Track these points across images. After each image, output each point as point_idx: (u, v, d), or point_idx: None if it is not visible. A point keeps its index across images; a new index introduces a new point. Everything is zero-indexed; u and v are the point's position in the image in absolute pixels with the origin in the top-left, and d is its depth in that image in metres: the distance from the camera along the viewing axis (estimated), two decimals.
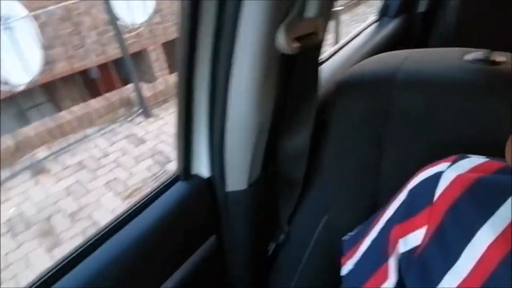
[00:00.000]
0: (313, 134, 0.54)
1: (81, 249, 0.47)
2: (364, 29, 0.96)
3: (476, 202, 0.30)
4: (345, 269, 0.43)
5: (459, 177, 0.31)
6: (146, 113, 3.51)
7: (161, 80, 3.89)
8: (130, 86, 3.72)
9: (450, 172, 0.32)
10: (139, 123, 3.46)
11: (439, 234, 0.31)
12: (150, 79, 4.51)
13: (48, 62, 3.45)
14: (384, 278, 0.37)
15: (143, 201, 0.55)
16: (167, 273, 0.56)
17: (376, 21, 1.00)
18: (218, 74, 0.45)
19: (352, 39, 0.90)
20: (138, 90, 3.34)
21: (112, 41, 4.07)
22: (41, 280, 0.44)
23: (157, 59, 5.02)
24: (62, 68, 3.26)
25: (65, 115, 3.27)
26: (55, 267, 0.45)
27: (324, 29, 0.46)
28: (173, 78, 3.86)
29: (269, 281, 0.65)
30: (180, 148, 0.54)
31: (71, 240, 2.37)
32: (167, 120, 3.53)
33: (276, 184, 0.60)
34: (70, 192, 2.72)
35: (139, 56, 4.68)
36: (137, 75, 3.46)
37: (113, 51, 4.21)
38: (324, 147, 0.54)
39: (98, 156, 3.07)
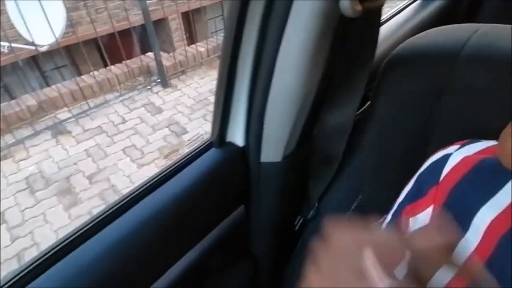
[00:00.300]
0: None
1: (115, 207, 0.48)
2: (408, 5, 0.91)
3: (479, 181, 0.30)
4: None
5: (465, 158, 0.32)
6: (164, 83, 3.50)
7: (180, 51, 3.84)
8: (150, 54, 3.69)
9: (457, 154, 0.33)
10: (157, 92, 3.46)
11: (444, 212, 0.32)
12: (169, 49, 4.46)
13: (71, 25, 3.43)
14: None
15: (176, 165, 0.55)
16: (195, 240, 0.57)
17: None
18: (268, 32, 0.43)
19: (395, 14, 0.84)
20: (158, 59, 3.32)
21: (135, 6, 4.01)
22: (75, 235, 0.45)
23: (176, 28, 4.94)
24: (84, 32, 3.25)
25: (86, 79, 3.30)
26: (88, 224, 0.46)
27: None
28: (192, 49, 3.81)
29: (293, 256, 0.66)
30: (217, 114, 0.53)
31: (89, 200, 2.46)
32: (184, 91, 3.52)
33: (311, 159, 0.59)
34: (89, 154, 2.79)
35: (160, 25, 4.61)
36: (157, 43, 3.42)
37: (134, 17, 4.16)
38: (367, 124, 0.52)
39: (117, 122, 3.12)
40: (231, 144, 0.57)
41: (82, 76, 3.32)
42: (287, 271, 0.67)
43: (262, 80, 0.47)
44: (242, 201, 0.62)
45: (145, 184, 0.52)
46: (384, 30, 0.78)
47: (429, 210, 0.33)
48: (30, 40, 3.05)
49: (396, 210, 0.39)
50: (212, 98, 3.45)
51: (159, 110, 3.26)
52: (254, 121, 0.51)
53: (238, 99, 0.51)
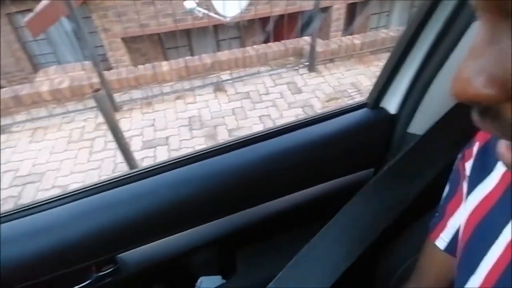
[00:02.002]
0: None
1: (260, 134, 0.61)
2: None
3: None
4: None
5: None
6: (311, 67, 3.71)
7: (335, 40, 3.94)
8: (306, 38, 3.95)
9: None
10: (302, 74, 3.72)
11: (483, 149, 0.35)
12: (324, 36, 4.61)
13: (251, 3, 4.01)
14: (459, 202, 0.39)
15: (329, 113, 0.65)
16: (317, 181, 0.64)
17: None
18: (450, 31, 0.49)
19: None
20: (312, 44, 3.53)
21: None
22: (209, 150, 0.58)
23: (337, 19, 5.03)
24: (259, 11, 3.76)
25: (249, 51, 3.85)
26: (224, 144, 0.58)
27: None
28: (347, 40, 3.85)
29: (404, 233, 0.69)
30: (380, 80, 0.62)
31: None
32: (327, 78, 3.66)
33: None
34: (234, 113, 3.33)
35: (323, 12, 4.80)
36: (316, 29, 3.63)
37: (301, 3, 4.48)
38: None
39: (261, 92, 3.56)
40: (383, 109, 0.64)
41: (247, 48, 3.89)
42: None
43: (435, 63, 0.54)
44: (374, 165, 0.68)
45: (296, 122, 0.63)
46: None
47: (475, 147, 0.36)
48: (219, 11, 3.76)
49: (456, 162, 0.41)
50: (351, 91, 3.46)
51: (299, 91, 3.52)
52: (413, 95, 0.59)
53: (405, 73, 0.59)
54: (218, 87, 3.60)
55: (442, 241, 0.42)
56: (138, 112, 3.40)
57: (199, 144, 3.09)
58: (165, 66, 3.71)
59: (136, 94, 3.55)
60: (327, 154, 0.63)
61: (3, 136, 3.15)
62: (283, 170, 0.60)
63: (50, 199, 0.54)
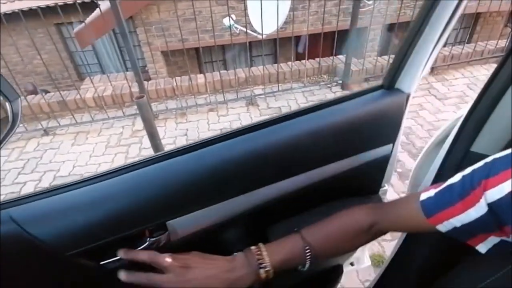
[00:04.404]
0: None
1: (286, 115, 0.65)
2: None
3: None
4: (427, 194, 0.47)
5: None
6: (345, 85, 3.69)
7: (371, 59, 3.91)
8: (341, 57, 3.95)
9: None
10: (335, 92, 3.70)
11: None
12: (359, 55, 4.59)
13: (286, 22, 4.10)
14: (474, 202, 0.38)
15: (348, 95, 0.69)
16: (339, 157, 0.69)
17: None
18: None
19: None
20: (347, 62, 3.52)
21: (342, 14, 4.33)
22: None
23: (373, 39, 5.01)
24: (295, 29, 3.83)
25: (283, 67, 3.90)
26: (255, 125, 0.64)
27: None
28: (383, 60, 3.80)
29: None
30: (395, 64, 0.66)
31: None
32: None
33: None
34: None
35: (357, 32, 4.80)
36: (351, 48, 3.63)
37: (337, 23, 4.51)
38: None
39: (293, 108, 3.57)
40: (398, 90, 0.68)
41: (281, 64, 3.94)
42: None
43: None
44: (392, 140, 0.72)
45: (320, 103, 0.67)
46: None
47: None
48: (255, 28, 3.88)
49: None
50: None
51: None
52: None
53: (416, 57, 0.63)
54: (251, 101, 3.66)
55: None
56: (173, 121, 3.52)
57: None
58: (200, 78, 3.84)
59: (172, 104, 3.69)
60: (349, 131, 0.68)
61: (48, 138, 3.36)
62: (309, 146, 0.66)
63: (108, 172, 0.59)
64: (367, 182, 0.79)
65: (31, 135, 3.37)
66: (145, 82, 3.63)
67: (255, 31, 3.92)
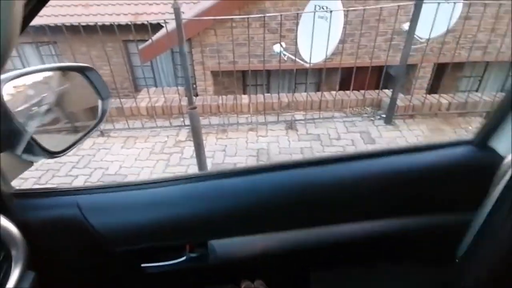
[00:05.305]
0: None
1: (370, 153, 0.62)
2: None
3: None
4: None
5: None
6: (388, 120, 3.61)
7: (418, 96, 3.82)
8: (386, 91, 3.91)
9: None
10: (378, 125, 3.63)
11: None
12: (406, 92, 4.50)
13: (334, 53, 4.19)
14: None
15: (425, 144, 0.62)
16: (405, 213, 0.61)
17: None
18: None
19: None
20: (394, 97, 3.47)
21: (391, 48, 4.33)
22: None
23: (422, 76, 4.90)
24: (339, 61, 3.89)
25: (326, 95, 3.94)
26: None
27: None
28: (432, 98, 3.69)
29: None
30: (491, 116, 0.58)
31: None
32: (404, 134, 3.50)
33: None
34: (302, 152, 3.37)
35: (409, 68, 4.73)
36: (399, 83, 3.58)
37: (385, 57, 4.51)
38: None
39: (332, 137, 3.56)
40: (491, 149, 0.58)
41: (325, 92, 4.00)
42: None
43: None
44: (477, 208, 0.60)
45: (394, 148, 0.62)
46: None
47: None
48: (303, 56, 4.01)
49: None
50: None
51: (372, 141, 3.42)
52: None
53: None
54: (290, 126, 3.72)
55: None
56: (213, 136, 3.68)
57: None
58: (244, 99, 4.01)
59: (215, 120, 3.88)
60: (423, 185, 0.60)
61: (103, 139, 3.68)
62: (374, 193, 0.59)
63: (168, 179, 0.62)
64: (439, 247, 0.66)
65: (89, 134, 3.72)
66: (194, 97, 3.88)
67: (302, 59, 4.05)
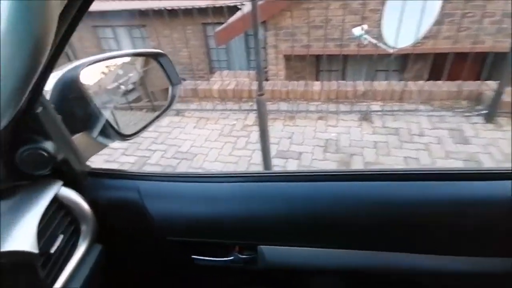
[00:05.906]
0: None
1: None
2: None
3: None
4: None
5: None
6: (489, 117, 3.04)
7: None
8: (489, 83, 3.28)
9: None
10: (474, 123, 3.09)
11: None
12: None
13: (425, 36, 3.66)
14: None
15: (500, 169, 0.52)
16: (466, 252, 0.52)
17: None
18: None
19: None
20: (499, 91, 2.89)
21: (499, 33, 3.59)
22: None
23: None
24: (431, 45, 3.38)
25: (411, 85, 3.50)
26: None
27: None
28: None
29: None
30: None
31: None
32: (508, 135, 2.91)
33: None
34: (376, 146, 3.08)
35: None
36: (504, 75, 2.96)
37: (491, 43, 3.76)
38: None
39: (414, 132, 3.16)
40: None
41: (408, 82, 3.55)
42: None
43: None
44: None
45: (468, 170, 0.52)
46: None
47: None
48: (386, 41, 3.59)
49: None
50: None
51: (465, 141, 2.93)
52: None
53: None
54: (365, 117, 3.42)
55: None
56: (281, 123, 3.61)
57: (329, 167, 3.00)
58: (316, 86, 3.82)
59: (283, 106, 3.80)
60: (467, 218, 0.51)
61: (178, 118, 3.94)
62: (440, 219, 0.51)
63: (223, 174, 0.61)
64: None
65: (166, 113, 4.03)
66: (264, 82, 3.85)
67: (385, 43, 3.64)
